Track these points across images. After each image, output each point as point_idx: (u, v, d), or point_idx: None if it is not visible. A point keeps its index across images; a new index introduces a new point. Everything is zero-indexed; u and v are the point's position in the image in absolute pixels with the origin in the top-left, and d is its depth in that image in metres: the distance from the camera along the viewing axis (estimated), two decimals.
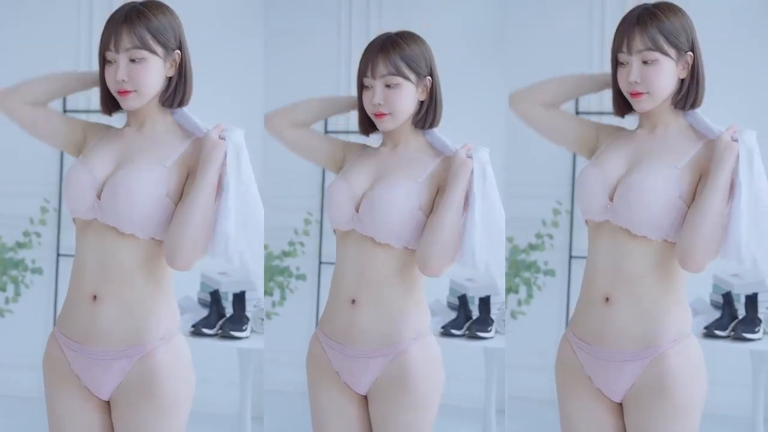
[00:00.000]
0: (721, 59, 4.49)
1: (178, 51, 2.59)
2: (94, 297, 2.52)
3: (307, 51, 4.85)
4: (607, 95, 2.71)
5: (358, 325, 2.67)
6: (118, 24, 2.53)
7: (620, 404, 2.62)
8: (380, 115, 2.68)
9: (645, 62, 2.53)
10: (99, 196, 2.52)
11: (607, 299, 2.56)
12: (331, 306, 2.73)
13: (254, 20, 4.61)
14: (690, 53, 2.57)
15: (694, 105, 2.60)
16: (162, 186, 2.54)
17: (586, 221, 2.65)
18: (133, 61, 2.53)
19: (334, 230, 2.75)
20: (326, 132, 4.85)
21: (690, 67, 2.58)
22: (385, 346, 2.68)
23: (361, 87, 2.70)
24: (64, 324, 2.58)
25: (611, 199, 2.56)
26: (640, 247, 2.55)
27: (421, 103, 2.72)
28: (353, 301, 2.68)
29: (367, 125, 2.76)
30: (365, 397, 2.73)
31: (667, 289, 2.56)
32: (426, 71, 2.71)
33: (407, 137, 2.74)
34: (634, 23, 2.54)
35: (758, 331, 4.23)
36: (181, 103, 2.62)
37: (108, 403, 2.58)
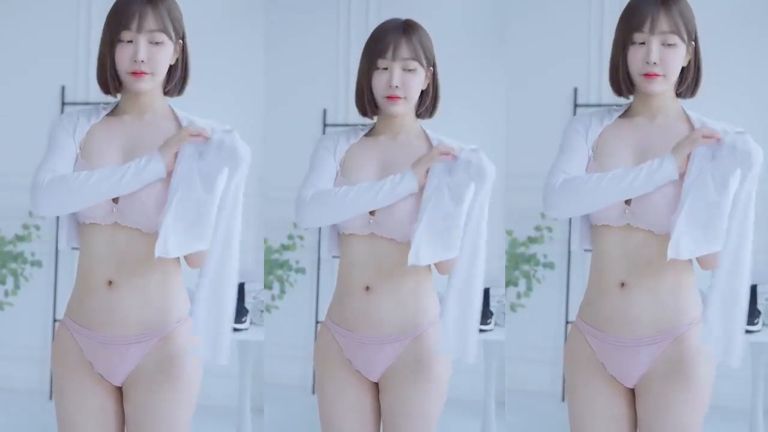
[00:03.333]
0: (723, 59, 4.50)
1: (181, 41, 2.59)
2: (110, 282, 2.53)
3: (307, 44, 4.85)
4: (606, 88, 2.69)
5: (372, 311, 2.67)
6: (143, 4, 2.50)
7: (631, 390, 2.62)
8: (394, 98, 2.65)
9: (663, 44, 2.51)
10: (115, 200, 2.51)
11: (623, 284, 2.55)
12: (342, 294, 2.72)
13: (254, 14, 4.61)
14: (693, 42, 2.57)
15: (694, 94, 2.61)
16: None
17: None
18: (151, 43, 2.51)
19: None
20: (325, 125, 4.85)
21: (693, 55, 2.58)
22: (401, 332, 2.68)
23: (372, 68, 2.66)
24: (74, 312, 2.57)
25: (627, 203, 2.53)
26: (656, 238, 2.53)
27: (422, 92, 2.71)
28: (367, 288, 2.67)
29: (372, 107, 2.70)
30: (376, 385, 2.73)
31: (682, 274, 2.55)
32: (431, 61, 2.70)
33: (408, 125, 2.73)
34: (658, 3, 2.51)
35: (757, 323, 4.23)
36: (180, 92, 2.62)
37: (119, 389, 2.59)
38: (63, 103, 4.80)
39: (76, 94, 4.83)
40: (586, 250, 2.67)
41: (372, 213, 2.65)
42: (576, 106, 4.75)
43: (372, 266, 2.66)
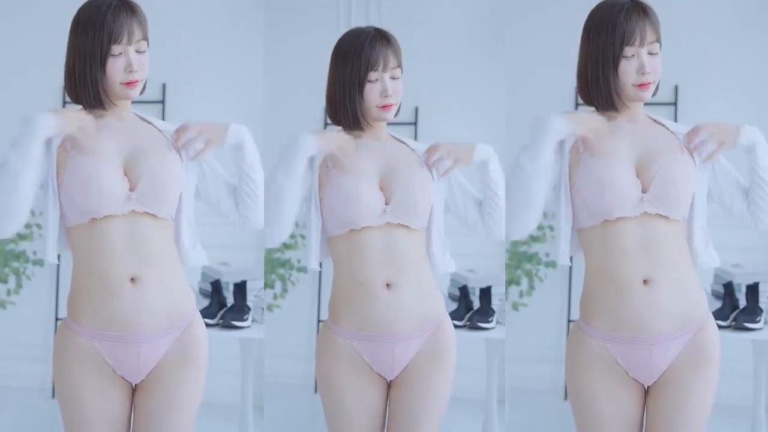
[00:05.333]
0: (723, 59, 4.50)
1: None
2: (133, 279, 2.54)
3: (307, 44, 4.85)
4: None
5: (398, 309, 2.67)
6: (128, 17, 2.55)
7: (644, 388, 2.63)
8: (388, 106, 2.70)
9: (649, 53, 2.58)
10: (130, 188, 2.55)
11: (645, 281, 2.58)
12: (353, 296, 2.69)
13: (254, 14, 4.61)
14: None
15: (656, 93, 2.68)
16: (181, 168, 2.62)
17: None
18: (137, 52, 2.56)
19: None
20: (325, 125, 4.85)
21: None
22: (424, 324, 2.70)
23: (365, 80, 2.69)
24: (90, 317, 2.55)
25: (643, 190, 2.59)
26: (668, 227, 2.59)
27: None
28: (388, 285, 2.67)
29: (362, 117, 2.71)
30: (388, 384, 2.73)
31: (690, 264, 2.63)
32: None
33: (384, 127, 2.77)
34: (643, 16, 2.58)
35: (759, 321, 4.23)
36: (143, 91, 2.63)
37: (131, 386, 2.60)
38: (63, 103, 4.80)
39: None
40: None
41: (387, 202, 2.69)
42: (576, 105, 4.75)
43: (389, 260, 2.67)
